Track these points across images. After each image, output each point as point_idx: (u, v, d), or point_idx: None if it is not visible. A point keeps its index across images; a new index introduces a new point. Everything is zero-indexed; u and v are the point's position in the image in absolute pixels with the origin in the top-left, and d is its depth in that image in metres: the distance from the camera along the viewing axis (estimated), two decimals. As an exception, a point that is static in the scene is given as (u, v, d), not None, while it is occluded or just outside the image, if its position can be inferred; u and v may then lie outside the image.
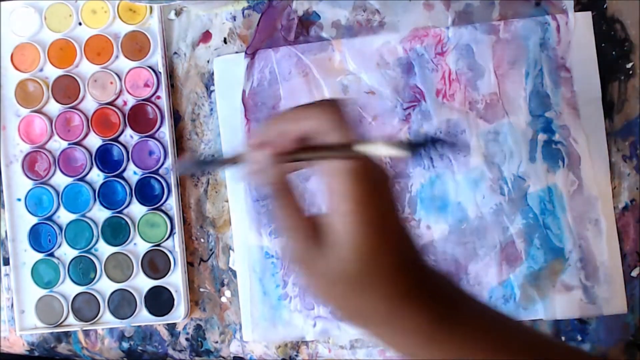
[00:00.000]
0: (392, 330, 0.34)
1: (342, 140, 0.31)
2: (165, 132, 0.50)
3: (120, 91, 0.51)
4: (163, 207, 0.50)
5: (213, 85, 0.51)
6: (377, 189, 0.32)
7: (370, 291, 0.33)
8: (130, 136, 0.51)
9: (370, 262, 0.32)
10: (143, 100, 0.50)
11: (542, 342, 0.36)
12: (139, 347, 0.52)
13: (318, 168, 0.32)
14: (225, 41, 0.51)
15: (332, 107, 0.31)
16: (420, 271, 0.34)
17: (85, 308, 0.51)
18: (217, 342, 0.51)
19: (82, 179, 0.51)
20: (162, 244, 0.50)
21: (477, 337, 0.34)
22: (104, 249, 0.51)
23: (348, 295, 0.33)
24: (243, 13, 0.51)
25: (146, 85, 0.50)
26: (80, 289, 0.51)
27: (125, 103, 0.51)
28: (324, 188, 0.32)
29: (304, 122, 0.32)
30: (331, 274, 0.32)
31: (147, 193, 0.50)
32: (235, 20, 0.51)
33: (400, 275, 0.34)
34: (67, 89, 0.51)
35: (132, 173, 0.51)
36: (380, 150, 0.30)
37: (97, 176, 0.51)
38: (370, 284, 0.33)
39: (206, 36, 0.51)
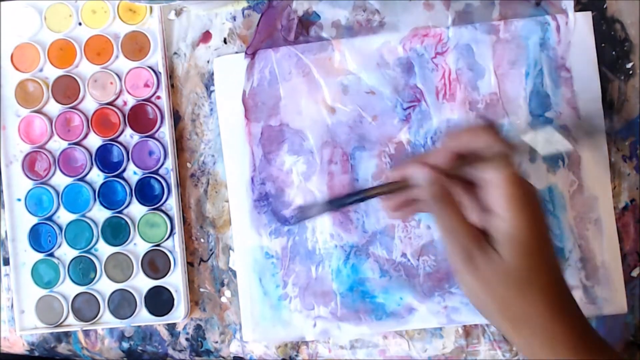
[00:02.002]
0: (545, 338, 0.34)
1: (502, 151, 0.35)
2: (165, 132, 0.50)
3: (120, 91, 0.51)
4: (163, 207, 0.50)
5: (213, 85, 0.50)
6: (533, 196, 0.35)
7: (532, 295, 0.34)
8: (130, 136, 0.51)
9: (533, 265, 0.34)
10: (143, 100, 0.50)
11: None
12: (139, 347, 0.52)
13: (483, 178, 0.36)
14: (225, 41, 0.51)
15: (492, 128, 0.36)
16: (567, 287, 0.36)
17: (85, 308, 0.51)
18: (217, 342, 0.51)
19: (82, 179, 0.51)
20: (162, 244, 0.50)
21: None
22: (104, 249, 0.51)
23: (511, 297, 0.34)
24: (243, 13, 0.51)
25: (146, 85, 0.50)
26: (80, 289, 0.51)
27: (125, 103, 0.51)
28: (489, 196, 0.35)
29: (472, 140, 0.36)
30: (496, 275, 0.34)
31: (147, 193, 0.50)
32: (235, 20, 0.51)
33: (559, 284, 0.35)
34: (67, 89, 0.51)
35: (132, 173, 0.51)
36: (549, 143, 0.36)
37: (97, 176, 0.51)
38: (533, 287, 0.34)
39: (206, 36, 0.51)
